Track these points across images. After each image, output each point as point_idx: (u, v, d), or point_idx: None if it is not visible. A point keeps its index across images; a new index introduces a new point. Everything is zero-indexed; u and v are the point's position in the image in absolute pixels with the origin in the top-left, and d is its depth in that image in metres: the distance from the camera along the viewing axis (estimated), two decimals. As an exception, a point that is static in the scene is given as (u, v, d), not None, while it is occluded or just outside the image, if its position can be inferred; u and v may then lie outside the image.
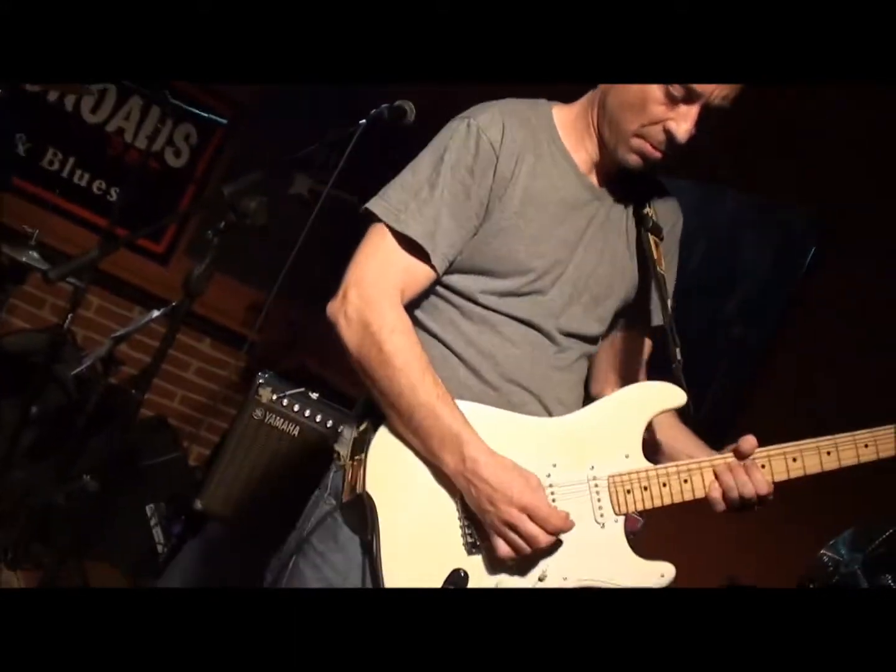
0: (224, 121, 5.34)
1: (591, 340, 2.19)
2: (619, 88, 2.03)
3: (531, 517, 1.87)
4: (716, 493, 1.98)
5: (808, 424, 2.06)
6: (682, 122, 1.97)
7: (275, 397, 3.87)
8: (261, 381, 3.92)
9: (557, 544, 1.95)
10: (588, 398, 2.25)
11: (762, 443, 1.99)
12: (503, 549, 1.90)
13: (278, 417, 3.86)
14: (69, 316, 4.20)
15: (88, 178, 5.37)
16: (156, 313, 3.70)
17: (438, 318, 2.10)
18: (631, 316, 2.28)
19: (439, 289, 2.10)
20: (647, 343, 2.33)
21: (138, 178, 4.74)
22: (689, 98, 1.95)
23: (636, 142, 2.02)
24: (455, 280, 2.08)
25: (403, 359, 1.94)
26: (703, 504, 2.01)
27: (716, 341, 3.93)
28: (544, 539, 1.88)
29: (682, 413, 2.13)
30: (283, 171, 5.30)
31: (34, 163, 5.22)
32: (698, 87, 1.94)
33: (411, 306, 2.09)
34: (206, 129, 5.55)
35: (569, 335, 2.13)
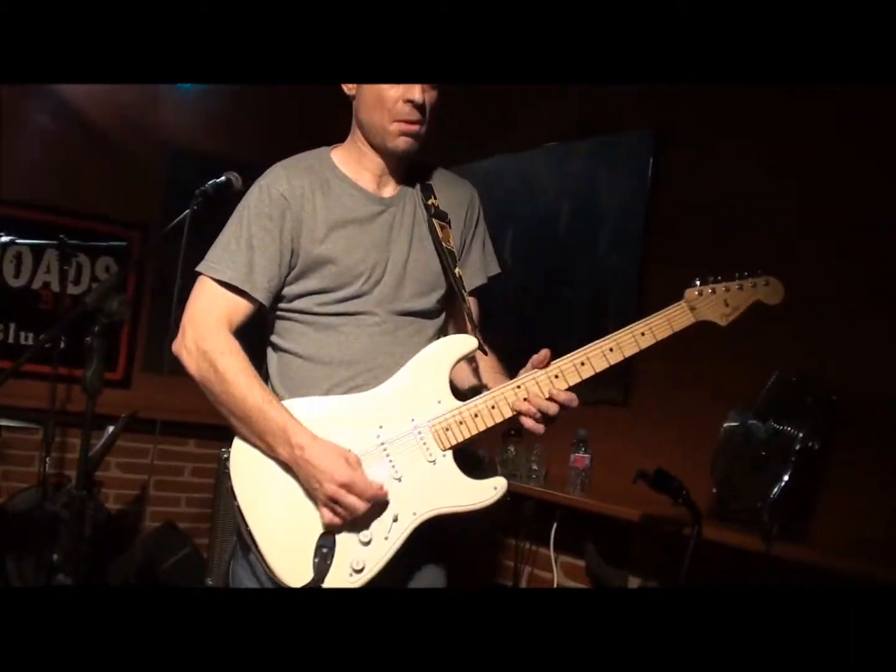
0: (124, 243, 5.74)
1: (428, 315, 2.58)
2: (359, 101, 2.50)
3: (349, 491, 2.26)
4: (527, 422, 2.35)
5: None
6: (413, 88, 2.39)
7: None
8: (225, 455, 4.25)
9: (400, 490, 2.34)
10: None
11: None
12: (328, 516, 2.30)
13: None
14: (46, 461, 4.51)
15: (33, 336, 5.72)
16: (110, 428, 4.05)
17: (290, 336, 2.53)
18: (452, 295, 2.65)
19: (286, 314, 2.53)
20: (472, 304, 2.67)
21: (69, 318, 5.09)
22: None
23: (394, 127, 2.45)
24: (296, 304, 2.51)
25: (233, 374, 2.38)
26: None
27: (599, 281, 4.27)
28: (361, 506, 2.27)
29: (482, 353, 2.53)
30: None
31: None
32: None
33: (268, 336, 2.57)
34: (120, 257, 5.89)
35: (402, 314, 2.52)
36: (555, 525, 4.00)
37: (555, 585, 3.99)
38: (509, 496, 2.45)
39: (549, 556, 4.03)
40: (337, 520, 2.29)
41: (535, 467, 4.22)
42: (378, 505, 2.32)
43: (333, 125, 2.76)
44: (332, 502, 2.28)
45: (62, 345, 4.86)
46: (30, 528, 4.97)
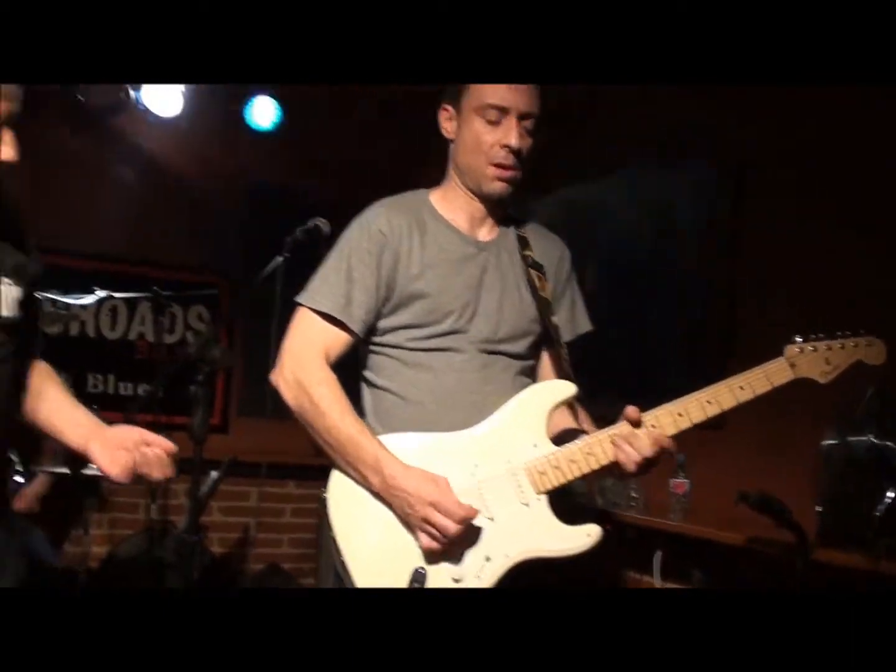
0: (215, 291, 5.86)
1: (516, 355, 2.62)
2: (457, 144, 2.59)
3: (439, 510, 2.30)
4: (623, 457, 2.35)
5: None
6: (511, 135, 2.48)
7: None
8: (325, 494, 4.31)
9: (493, 531, 2.37)
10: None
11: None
12: (424, 540, 2.34)
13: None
14: (152, 507, 4.64)
15: (132, 387, 5.85)
16: (213, 474, 4.12)
17: (383, 373, 2.59)
18: (542, 334, 2.68)
19: (378, 348, 2.60)
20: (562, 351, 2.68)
21: (172, 369, 5.24)
22: (501, 115, 2.49)
23: (490, 171, 2.53)
24: (388, 338, 2.58)
25: (327, 404, 2.45)
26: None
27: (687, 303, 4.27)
28: (453, 528, 2.29)
29: (579, 400, 2.55)
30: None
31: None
32: (503, 103, 2.47)
33: (362, 371, 2.64)
34: (212, 304, 6.00)
35: (491, 352, 2.57)
36: (658, 553, 3.98)
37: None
38: (610, 525, 2.46)
39: (653, 584, 4.01)
40: (434, 544, 2.33)
41: (634, 494, 4.19)
42: (470, 543, 2.36)
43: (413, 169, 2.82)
44: (425, 524, 2.32)
45: (160, 394, 4.98)
46: (137, 573, 5.07)
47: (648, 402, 2.40)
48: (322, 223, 3.04)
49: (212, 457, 4.73)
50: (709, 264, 4.23)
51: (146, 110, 5.35)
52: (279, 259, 2.89)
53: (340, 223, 2.68)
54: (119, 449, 2.06)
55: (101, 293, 4.68)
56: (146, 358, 5.89)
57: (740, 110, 3.94)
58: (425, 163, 3.16)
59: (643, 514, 4.08)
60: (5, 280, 2.04)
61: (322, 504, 4.26)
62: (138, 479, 2.08)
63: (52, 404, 2.20)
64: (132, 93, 5.21)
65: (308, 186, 5.96)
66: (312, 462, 5.84)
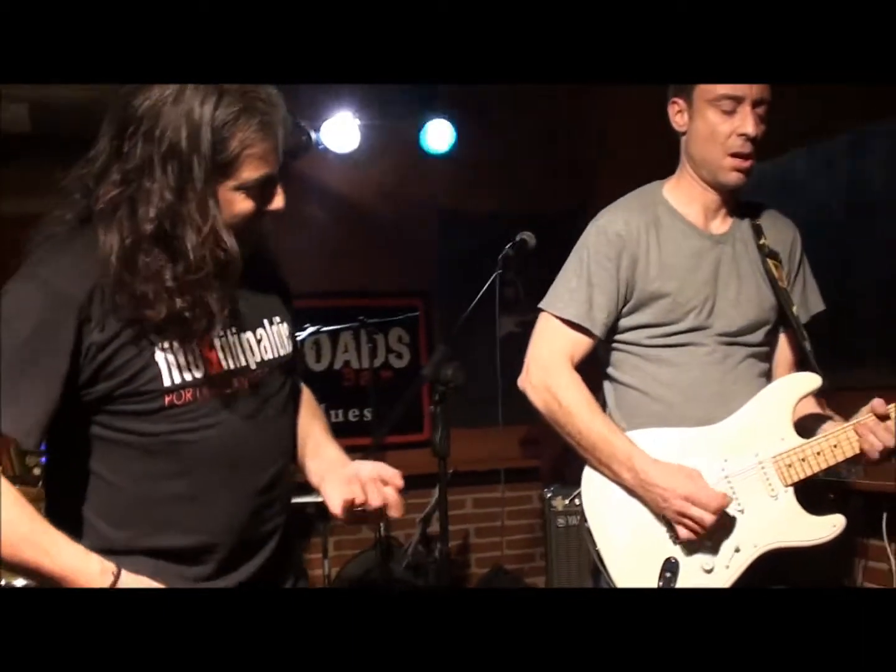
0: (416, 313, 6.07)
1: (754, 344, 2.67)
2: (690, 135, 2.63)
3: (694, 503, 2.39)
4: (867, 447, 2.42)
5: None
6: (747, 123, 2.52)
7: (567, 502, 4.36)
8: (548, 495, 4.47)
9: (742, 522, 2.46)
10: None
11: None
12: (683, 532, 2.44)
13: (579, 516, 4.33)
14: (381, 527, 4.80)
15: (342, 413, 6.09)
16: (438, 486, 4.30)
17: (625, 369, 2.70)
18: (780, 324, 2.75)
19: (618, 345, 2.70)
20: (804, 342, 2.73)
21: (380, 392, 5.50)
22: (735, 104, 2.51)
23: (728, 161, 2.58)
24: (627, 336, 2.68)
25: (577, 407, 2.57)
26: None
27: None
28: (709, 518, 2.39)
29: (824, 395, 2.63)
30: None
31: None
32: (737, 92, 2.50)
33: (604, 367, 2.75)
34: (410, 325, 6.22)
35: (731, 343, 2.63)
36: (884, 515, 3.99)
37: (893, 574, 3.98)
38: (834, 495, 2.52)
39: (884, 546, 4.02)
40: (691, 535, 2.43)
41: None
42: (720, 535, 2.45)
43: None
44: (681, 517, 2.42)
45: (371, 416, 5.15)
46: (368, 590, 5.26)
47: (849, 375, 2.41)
48: (528, 236, 3.19)
49: (425, 471, 4.97)
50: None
51: (326, 149, 5.54)
52: (495, 276, 3.04)
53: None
54: (347, 485, 1.99)
55: (310, 328, 4.86)
56: (353, 385, 6.13)
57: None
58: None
59: (864, 479, 4.08)
60: (275, 318, 2.10)
61: (547, 504, 4.45)
62: (363, 516, 2.02)
63: (310, 442, 2.21)
64: (313, 134, 5.38)
65: (490, 204, 6.11)
66: (522, 465, 6.08)
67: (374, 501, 1.96)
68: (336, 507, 1.97)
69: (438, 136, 5.74)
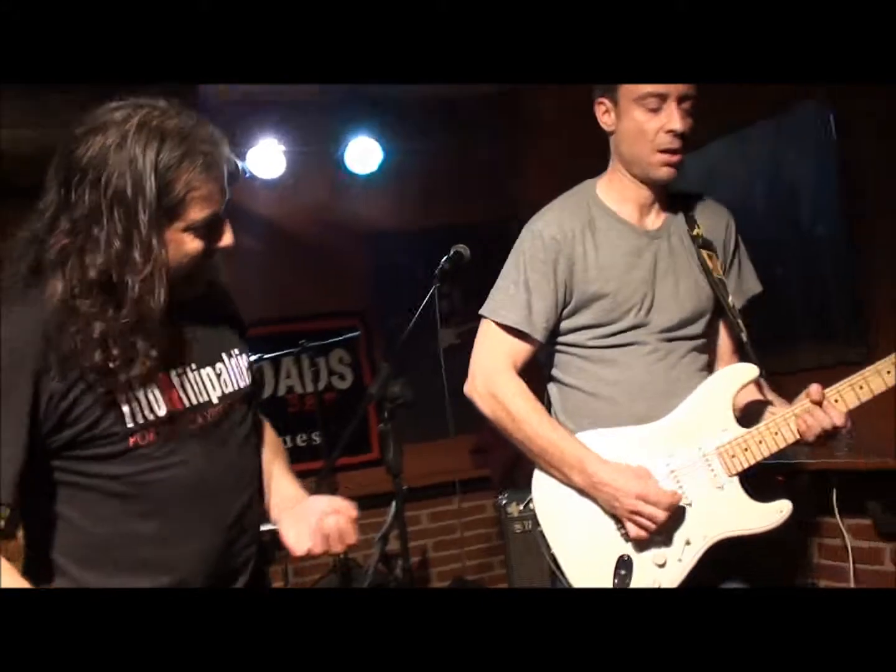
0: (358, 333, 6.02)
1: (694, 337, 2.70)
2: (619, 135, 2.65)
3: (646, 501, 2.43)
4: (803, 429, 2.46)
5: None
6: (673, 119, 2.54)
7: (521, 507, 4.31)
8: (503, 501, 4.49)
9: (690, 515, 2.50)
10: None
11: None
12: (633, 531, 2.47)
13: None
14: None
15: (290, 439, 6.06)
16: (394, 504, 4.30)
17: (569, 371, 2.71)
18: (719, 313, 2.78)
19: (562, 348, 2.72)
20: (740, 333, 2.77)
21: (326, 415, 5.49)
22: (661, 101, 2.53)
23: (657, 158, 2.59)
24: (569, 338, 2.69)
25: (524, 414, 2.60)
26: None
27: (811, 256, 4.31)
28: (661, 515, 2.43)
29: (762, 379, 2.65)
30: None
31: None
32: (661, 89, 2.51)
33: (548, 370, 2.77)
34: (351, 346, 6.21)
35: (672, 339, 2.66)
36: (834, 491, 4.06)
37: (848, 549, 4.05)
38: (783, 478, 2.56)
39: (836, 523, 4.09)
40: (643, 532, 2.46)
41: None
42: (670, 529, 2.49)
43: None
44: (633, 515, 2.46)
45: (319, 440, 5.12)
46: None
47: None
48: (463, 249, 3.22)
49: (379, 490, 4.97)
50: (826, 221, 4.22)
51: (253, 177, 5.50)
52: (433, 290, 3.07)
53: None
54: (303, 522, 2.06)
55: (251, 357, 4.84)
56: (297, 411, 6.14)
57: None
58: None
59: (810, 459, 4.14)
60: (234, 351, 2.14)
61: (503, 511, 4.46)
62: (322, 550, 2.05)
63: (272, 480, 2.24)
64: (239, 164, 5.35)
65: (419, 220, 6.18)
66: (474, 475, 6.09)
67: (336, 548, 2.04)
68: (293, 547, 2.04)
69: (363, 156, 5.77)
